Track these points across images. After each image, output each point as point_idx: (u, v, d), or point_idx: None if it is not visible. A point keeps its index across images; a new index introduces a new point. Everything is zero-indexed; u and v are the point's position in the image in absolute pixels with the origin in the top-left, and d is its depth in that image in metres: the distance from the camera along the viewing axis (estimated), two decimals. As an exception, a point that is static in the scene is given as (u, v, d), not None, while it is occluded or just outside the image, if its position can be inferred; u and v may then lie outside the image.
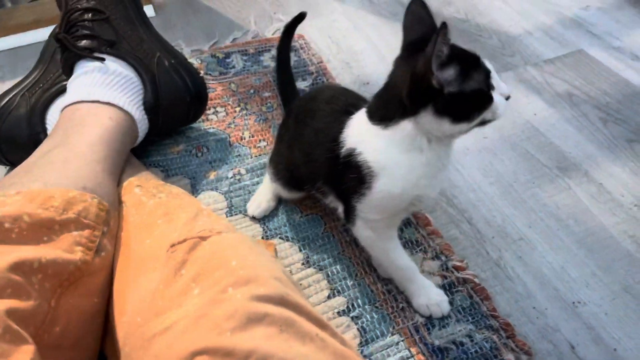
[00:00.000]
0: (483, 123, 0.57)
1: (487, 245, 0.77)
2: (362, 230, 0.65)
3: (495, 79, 0.56)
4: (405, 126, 0.56)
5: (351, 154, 0.59)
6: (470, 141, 0.92)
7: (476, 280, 0.71)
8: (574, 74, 1.07)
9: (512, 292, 0.71)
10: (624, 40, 1.15)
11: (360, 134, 0.60)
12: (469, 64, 0.54)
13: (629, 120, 0.96)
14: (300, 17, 0.89)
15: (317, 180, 0.67)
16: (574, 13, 1.24)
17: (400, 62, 0.58)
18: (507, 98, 0.57)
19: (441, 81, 0.52)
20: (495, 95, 0.55)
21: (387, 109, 0.57)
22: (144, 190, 0.65)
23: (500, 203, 0.83)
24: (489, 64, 0.56)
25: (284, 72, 0.93)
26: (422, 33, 0.57)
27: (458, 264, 0.73)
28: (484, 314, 0.68)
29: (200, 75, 0.90)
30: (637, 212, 0.81)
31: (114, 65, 0.77)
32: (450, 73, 0.52)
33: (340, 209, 0.67)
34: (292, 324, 0.45)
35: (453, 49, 0.53)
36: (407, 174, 0.57)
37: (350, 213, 0.64)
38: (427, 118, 0.54)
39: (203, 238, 0.53)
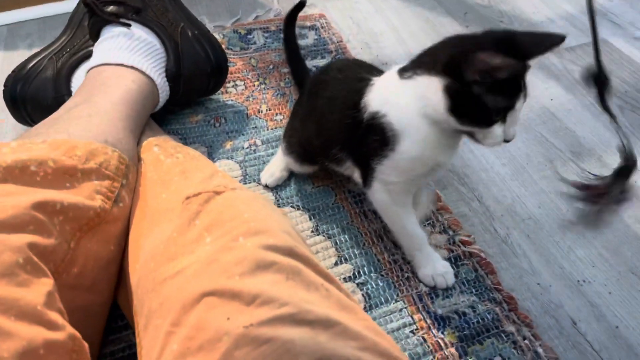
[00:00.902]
0: (472, 136, 0.58)
1: (495, 223, 0.78)
2: (378, 193, 0.66)
3: (512, 118, 0.56)
4: (424, 81, 0.57)
5: (374, 117, 0.60)
6: (485, 123, 0.93)
7: (482, 254, 0.72)
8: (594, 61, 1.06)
9: (517, 269, 0.72)
10: (646, 31, 1.14)
11: (385, 96, 0.61)
12: (505, 88, 0.54)
13: (647, 109, 0.96)
14: (300, 5, 0.91)
15: (333, 148, 0.68)
16: (598, 3, 1.23)
17: (469, 37, 0.57)
18: (506, 141, 0.57)
19: (473, 79, 0.52)
20: (498, 127, 0.55)
21: (427, 58, 0.58)
22: (162, 150, 0.67)
23: (511, 183, 0.83)
24: (520, 104, 0.55)
25: (294, 58, 0.96)
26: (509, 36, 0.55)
27: (465, 238, 0.74)
28: (487, 287, 0.69)
29: (222, 47, 0.92)
30: (649, 199, 0.81)
31: (139, 31, 0.79)
32: (484, 81, 0.52)
33: (356, 174, 0.68)
34: (299, 273, 0.46)
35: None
36: (425, 138, 0.58)
37: (368, 175, 0.65)
38: (437, 85, 0.55)
39: (217, 193, 0.55)
